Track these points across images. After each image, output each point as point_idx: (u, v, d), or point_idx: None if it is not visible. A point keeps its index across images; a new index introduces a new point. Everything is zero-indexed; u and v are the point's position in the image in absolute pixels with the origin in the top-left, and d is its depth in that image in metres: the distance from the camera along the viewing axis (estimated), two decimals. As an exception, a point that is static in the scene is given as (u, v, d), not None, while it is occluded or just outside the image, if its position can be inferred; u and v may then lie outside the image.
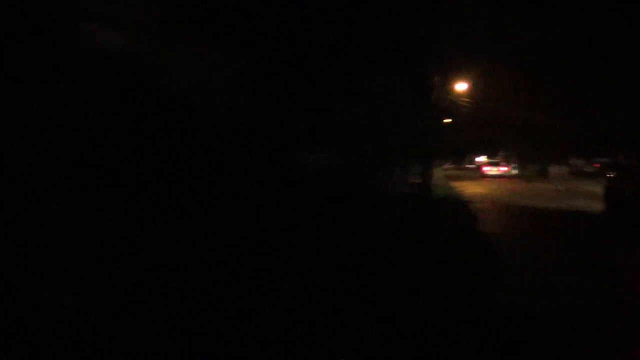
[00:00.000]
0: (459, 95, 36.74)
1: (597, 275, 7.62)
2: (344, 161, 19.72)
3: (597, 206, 15.51)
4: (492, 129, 50.70)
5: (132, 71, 10.88)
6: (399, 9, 18.48)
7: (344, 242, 9.35)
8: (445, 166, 68.90)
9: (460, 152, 70.63)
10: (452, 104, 37.35)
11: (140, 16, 11.47)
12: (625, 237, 11.70)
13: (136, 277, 6.40)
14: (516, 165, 61.37)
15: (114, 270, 6.61)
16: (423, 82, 23.84)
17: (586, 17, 29.98)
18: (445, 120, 43.80)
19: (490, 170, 53.94)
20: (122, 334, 4.69)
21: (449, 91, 34.23)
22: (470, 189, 28.45)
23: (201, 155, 11.83)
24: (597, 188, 17.77)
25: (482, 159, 66.98)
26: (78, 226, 7.62)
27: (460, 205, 17.83)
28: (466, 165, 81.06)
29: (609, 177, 15.91)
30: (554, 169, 47.97)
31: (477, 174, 55.09)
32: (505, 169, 55.95)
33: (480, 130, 52.47)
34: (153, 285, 6.10)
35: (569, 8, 30.45)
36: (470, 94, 38.56)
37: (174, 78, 11.99)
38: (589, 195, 19.73)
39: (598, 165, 42.48)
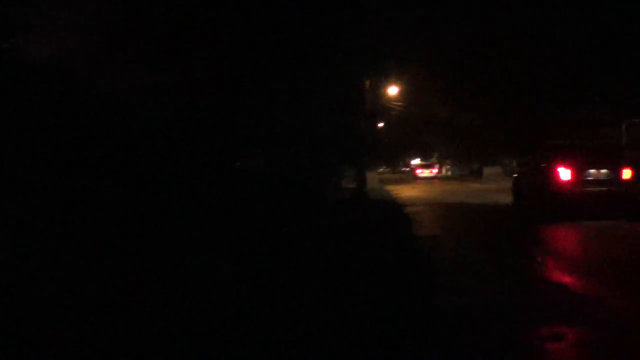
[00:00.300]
0: (392, 98, 36.99)
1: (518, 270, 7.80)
2: (276, 168, 19.56)
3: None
4: (426, 132, 51.39)
5: (59, 81, 10.61)
6: (327, 13, 18.47)
7: (277, 248, 9.15)
8: (380, 170, 69.46)
9: (395, 156, 71.40)
10: (384, 108, 37.57)
11: (63, 25, 11.18)
12: (530, 227, 13.32)
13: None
14: (450, 167, 62.41)
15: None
16: (355, 86, 23.82)
17: (513, 17, 30.56)
18: (379, 124, 44.07)
19: (422, 173, 54.99)
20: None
21: (381, 95, 34.41)
22: (405, 192, 28.58)
23: (135, 163, 11.59)
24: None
25: (417, 161, 67.92)
26: None
27: (395, 209, 17.85)
28: (402, 169, 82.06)
29: (515, 175, 18.57)
30: (488, 169, 48.81)
31: (412, 177, 55.78)
32: (436, 170, 57.16)
33: (414, 133, 53.13)
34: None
35: (497, 9, 30.98)
36: (403, 97, 38.92)
37: (104, 87, 11.70)
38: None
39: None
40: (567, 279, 7.24)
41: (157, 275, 6.77)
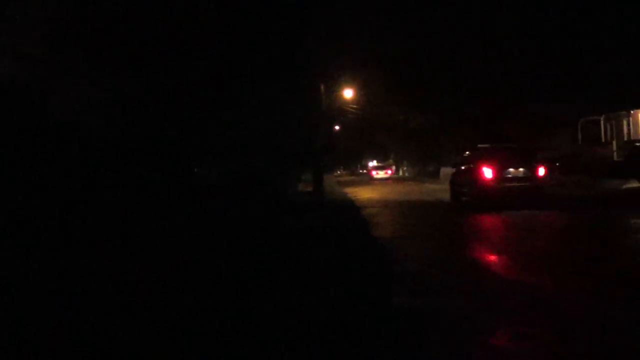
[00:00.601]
0: (347, 102, 37.20)
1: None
2: (234, 175, 19.56)
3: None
4: (382, 134, 51.66)
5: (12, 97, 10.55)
6: (280, 19, 18.50)
7: (234, 254, 9.19)
8: (338, 172, 69.65)
9: (352, 158, 71.73)
10: (340, 111, 37.77)
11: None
12: (466, 220, 14.56)
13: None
14: (407, 168, 62.92)
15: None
16: (309, 91, 23.92)
17: (466, 19, 30.98)
18: (336, 127, 44.23)
19: (378, 174, 55.71)
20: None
21: (337, 98, 34.59)
22: (363, 194, 28.70)
23: (93, 175, 11.47)
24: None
25: (374, 163, 68.29)
26: None
27: (353, 212, 17.93)
28: (359, 171, 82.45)
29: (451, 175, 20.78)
30: (446, 170, 49.23)
31: (368, 178, 56.04)
32: (391, 172, 57.97)
33: (371, 135, 53.41)
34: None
35: (449, 11, 31.35)
36: (359, 100, 39.16)
37: (56, 100, 11.59)
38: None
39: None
40: (515, 274, 7.40)
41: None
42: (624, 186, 21.07)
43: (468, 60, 31.67)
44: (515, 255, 8.87)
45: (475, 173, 17.13)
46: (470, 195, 17.85)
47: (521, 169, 16.96)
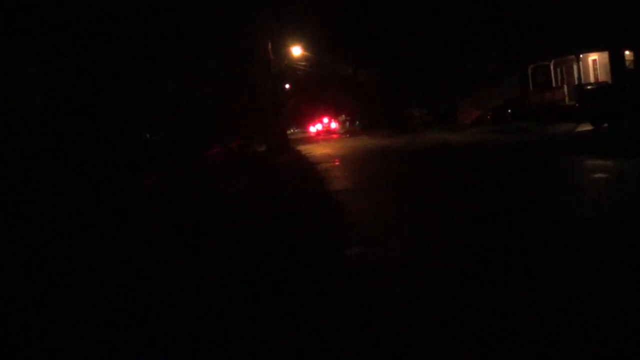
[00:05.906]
0: (296, 59, 36.54)
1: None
2: (180, 141, 19.19)
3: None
4: (332, 90, 51.39)
5: None
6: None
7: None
8: (291, 130, 69.58)
9: (304, 116, 71.65)
10: (289, 68, 37.17)
11: None
12: None
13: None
14: (359, 122, 63.19)
15: None
16: (252, 49, 23.35)
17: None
18: (286, 85, 43.66)
19: (313, 129, 71.83)
20: None
21: (285, 55, 33.95)
22: (316, 150, 28.51)
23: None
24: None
25: (325, 120, 69.46)
26: None
27: (304, 166, 17.87)
28: (310, 128, 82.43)
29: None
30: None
31: (322, 136, 56.27)
32: (320, 127, 72.97)
33: (320, 93, 53.06)
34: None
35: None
36: (307, 58, 38.57)
37: None
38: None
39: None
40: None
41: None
42: (576, 130, 21.12)
43: (411, 13, 31.50)
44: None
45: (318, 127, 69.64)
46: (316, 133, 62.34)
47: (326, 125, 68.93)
